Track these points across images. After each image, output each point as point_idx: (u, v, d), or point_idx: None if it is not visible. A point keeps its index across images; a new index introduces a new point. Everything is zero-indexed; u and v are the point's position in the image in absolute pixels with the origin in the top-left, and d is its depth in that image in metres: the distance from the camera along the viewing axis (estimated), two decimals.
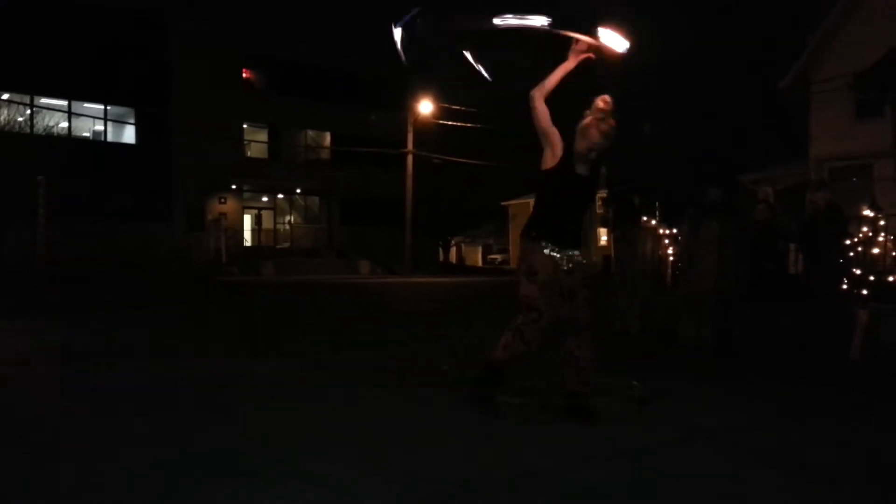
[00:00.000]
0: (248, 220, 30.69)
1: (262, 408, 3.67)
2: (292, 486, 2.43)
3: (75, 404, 3.71)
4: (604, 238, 47.42)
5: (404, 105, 28.37)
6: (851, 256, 6.66)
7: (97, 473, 2.53)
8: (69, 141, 24.99)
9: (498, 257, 55.90)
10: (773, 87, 19.61)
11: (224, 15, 29.96)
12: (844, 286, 6.40)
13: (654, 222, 7.23)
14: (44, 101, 24.59)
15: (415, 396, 3.98)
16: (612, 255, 8.01)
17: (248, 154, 30.05)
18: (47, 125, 24.83)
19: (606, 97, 3.45)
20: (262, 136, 30.71)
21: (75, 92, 24.75)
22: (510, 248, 55.88)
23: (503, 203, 53.52)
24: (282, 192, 31.13)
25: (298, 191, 31.05)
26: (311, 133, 31.98)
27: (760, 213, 6.66)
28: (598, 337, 3.61)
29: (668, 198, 8.08)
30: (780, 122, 23.24)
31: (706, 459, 2.91)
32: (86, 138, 26.42)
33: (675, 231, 7.11)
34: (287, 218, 32.09)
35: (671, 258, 7.22)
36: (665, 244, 7.25)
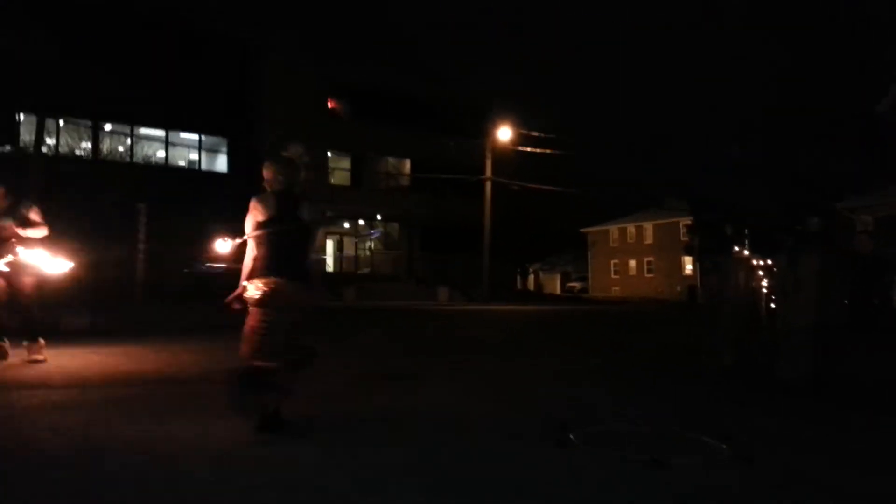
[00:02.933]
0: (329, 245, 31.45)
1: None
2: None
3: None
4: (688, 267, 46.13)
5: (483, 132, 28.57)
6: None
7: None
8: (166, 169, 26.39)
9: (577, 285, 55.15)
10: (869, 110, 18.69)
11: (310, 44, 31.12)
12: None
13: (746, 252, 6.93)
14: (143, 130, 26.12)
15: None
16: (699, 285, 7.73)
17: (332, 181, 30.90)
18: (146, 154, 26.36)
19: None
20: (345, 163, 31.53)
21: (172, 122, 26.14)
22: (589, 275, 55.12)
23: (582, 230, 52.95)
24: (363, 219, 31.78)
25: (379, 217, 31.62)
26: (391, 160, 32.63)
27: (863, 244, 6.29)
28: (690, 371, 3.44)
29: (759, 226, 7.75)
30: (876, 147, 22.07)
31: None
32: (181, 167, 27.83)
33: (770, 262, 6.80)
34: (368, 244, 32.70)
35: (766, 290, 6.90)
36: (759, 276, 6.94)
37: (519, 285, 39.83)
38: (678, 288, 43.38)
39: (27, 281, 5.92)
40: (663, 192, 46.42)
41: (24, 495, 2.57)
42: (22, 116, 23.32)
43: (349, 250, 31.88)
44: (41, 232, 6.01)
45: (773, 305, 6.69)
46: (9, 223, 5.94)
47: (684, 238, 46.67)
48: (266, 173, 3.91)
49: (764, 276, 6.99)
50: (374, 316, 15.31)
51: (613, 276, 53.12)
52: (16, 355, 6.05)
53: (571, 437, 3.52)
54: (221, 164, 28.16)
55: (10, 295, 5.91)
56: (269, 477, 2.85)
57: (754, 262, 6.90)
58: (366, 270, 31.02)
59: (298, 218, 3.78)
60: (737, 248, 6.71)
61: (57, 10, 23.49)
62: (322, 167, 29.95)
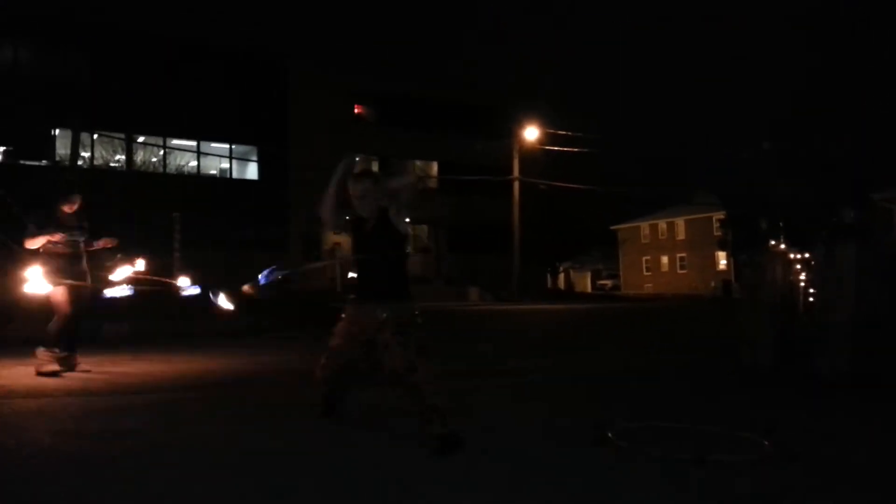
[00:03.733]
0: None
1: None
2: None
3: None
4: (722, 262, 45.44)
5: (510, 132, 28.54)
6: None
7: None
8: (198, 178, 26.85)
9: (608, 283, 54.66)
10: None
11: (336, 51, 31.42)
12: None
13: (782, 246, 6.83)
14: (175, 142, 26.61)
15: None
16: (734, 280, 7.62)
17: None
18: (178, 164, 26.85)
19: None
20: (372, 167, 31.73)
21: (203, 133, 26.57)
22: (621, 273, 54.60)
23: (612, 227, 52.51)
24: None
25: (407, 220, 31.68)
26: (418, 163, 32.75)
27: None
28: (726, 369, 3.40)
29: (794, 219, 7.62)
30: None
31: None
32: (213, 175, 28.28)
33: (806, 255, 6.68)
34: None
35: (803, 284, 6.78)
36: (796, 269, 6.83)
37: (549, 284, 39.62)
38: (712, 283, 42.77)
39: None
40: (693, 188, 45.86)
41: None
42: (57, 131, 23.89)
43: None
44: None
45: (811, 299, 6.57)
46: (84, 237, 6.00)
47: (718, 233, 46.04)
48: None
49: (801, 270, 6.88)
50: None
51: (645, 273, 52.58)
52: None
53: (609, 434, 3.51)
54: (252, 171, 28.55)
55: (78, 306, 5.95)
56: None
57: (791, 255, 6.79)
58: None
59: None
60: (772, 242, 6.62)
61: (89, 31, 24.09)
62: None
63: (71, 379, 5.64)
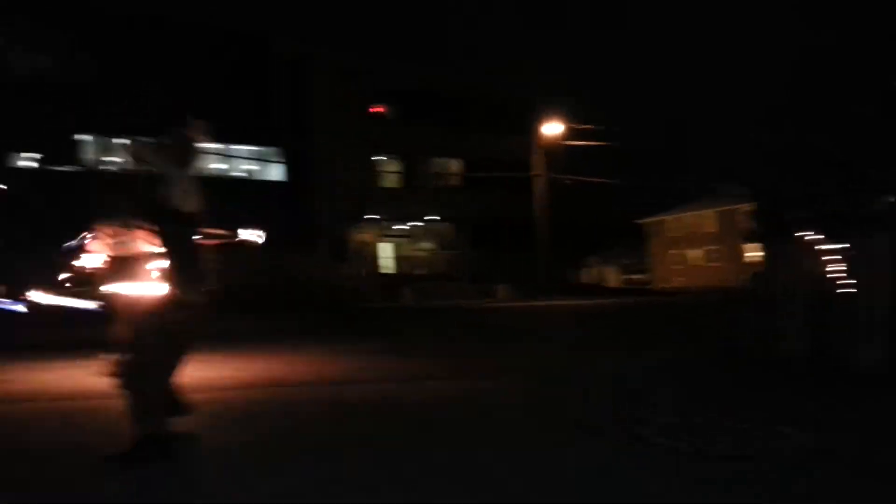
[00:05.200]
0: (385, 248, 31.77)
1: None
2: None
3: None
4: (752, 254, 44.71)
5: (532, 128, 28.38)
6: None
7: None
8: (225, 181, 27.11)
9: (636, 277, 54.16)
10: None
11: (358, 49, 31.55)
12: None
13: (812, 236, 6.68)
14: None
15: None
16: (764, 272, 7.47)
17: (384, 184, 31.20)
18: (205, 168, 27.19)
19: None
20: (396, 166, 31.80)
21: (228, 135, 26.79)
22: (649, 267, 54.05)
23: (637, 222, 52.04)
24: (417, 220, 31.99)
25: (432, 218, 31.77)
26: (442, 160, 32.73)
27: None
28: (760, 362, 3.33)
29: (826, 208, 7.45)
30: None
31: None
32: (239, 178, 28.55)
33: (839, 246, 6.52)
34: (423, 245, 32.89)
35: (835, 275, 6.62)
36: (828, 261, 6.67)
37: (576, 279, 39.39)
38: (743, 276, 42.13)
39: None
40: (718, 180, 45.22)
41: None
42: (82, 137, 24.27)
43: (403, 251, 32.16)
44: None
45: (843, 290, 6.42)
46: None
47: (746, 225, 45.29)
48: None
49: (833, 261, 6.72)
50: (450, 316, 15.16)
51: (674, 267, 52.01)
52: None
53: (643, 431, 3.45)
54: (276, 173, 28.78)
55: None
56: None
57: (821, 246, 6.64)
58: (422, 271, 31.18)
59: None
60: (802, 233, 6.48)
61: (111, 34, 24.44)
62: (372, 171, 30.33)
63: None
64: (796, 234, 6.48)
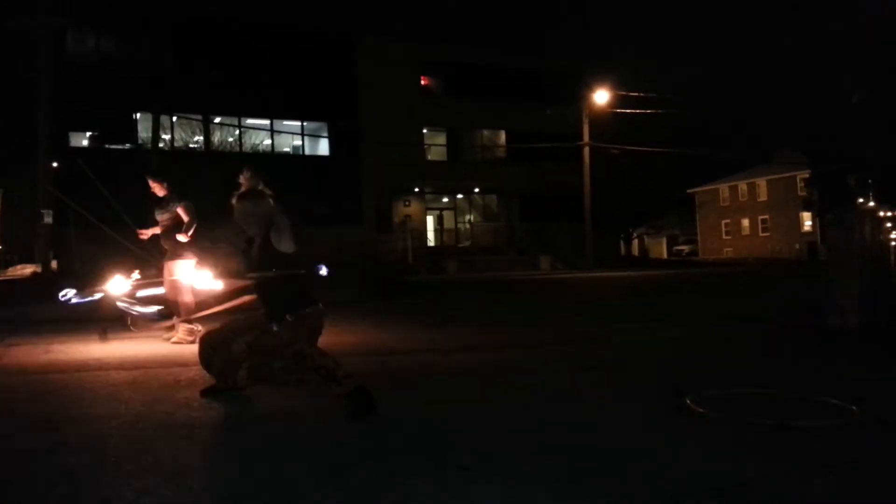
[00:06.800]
0: (430, 220, 31.89)
1: None
2: None
3: None
4: (807, 223, 43.43)
5: (579, 97, 27.93)
6: None
7: None
8: (272, 156, 27.52)
9: (685, 248, 53.18)
10: None
11: (402, 21, 31.42)
12: None
13: (871, 204, 6.47)
14: (249, 121, 27.30)
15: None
16: (820, 242, 7.28)
17: (429, 157, 31.22)
18: (253, 143, 27.58)
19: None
20: (441, 138, 31.74)
21: (276, 111, 27.15)
22: (698, 237, 52.97)
23: (689, 191, 50.85)
24: (461, 193, 31.97)
25: (477, 190, 31.69)
26: (486, 133, 32.54)
27: None
28: (814, 332, 3.28)
29: (884, 175, 7.20)
30: None
31: None
32: (287, 153, 28.93)
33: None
34: (467, 217, 32.91)
35: (894, 244, 6.42)
36: (886, 228, 6.46)
37: (623, 251, 38.86)
38: (797, 246, 40.95)
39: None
40: (775, 147, 43.79)
41: None
42: (139, 115, 24.89)
43: (449, 224, 32.22)
44: (191, 228, 6.18)
45: None
46: (167, 216, 6.23)
47: (802, 193, 43.89)
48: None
49: (892, 229, 6.51)
50: (501, 288, 15.20)
51: (725, 237, 50.87)
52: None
53: (688, 401, 3.44)
54: (323, 147, 29.05)
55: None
56: None
57: (880, 213, 6.44)
58: (466, 244, 31.24)
59: None
60: (861, 200, 6.29)
61: (163, 17, 24.87)
62: (418, 144, 30.35)
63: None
64: (854, 202, 6.30)
